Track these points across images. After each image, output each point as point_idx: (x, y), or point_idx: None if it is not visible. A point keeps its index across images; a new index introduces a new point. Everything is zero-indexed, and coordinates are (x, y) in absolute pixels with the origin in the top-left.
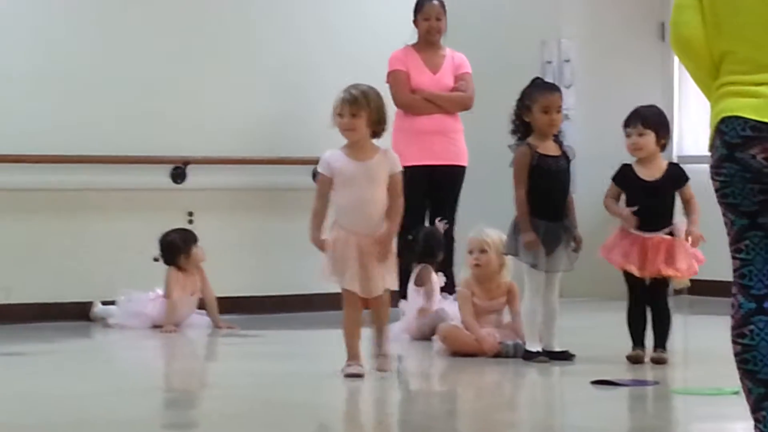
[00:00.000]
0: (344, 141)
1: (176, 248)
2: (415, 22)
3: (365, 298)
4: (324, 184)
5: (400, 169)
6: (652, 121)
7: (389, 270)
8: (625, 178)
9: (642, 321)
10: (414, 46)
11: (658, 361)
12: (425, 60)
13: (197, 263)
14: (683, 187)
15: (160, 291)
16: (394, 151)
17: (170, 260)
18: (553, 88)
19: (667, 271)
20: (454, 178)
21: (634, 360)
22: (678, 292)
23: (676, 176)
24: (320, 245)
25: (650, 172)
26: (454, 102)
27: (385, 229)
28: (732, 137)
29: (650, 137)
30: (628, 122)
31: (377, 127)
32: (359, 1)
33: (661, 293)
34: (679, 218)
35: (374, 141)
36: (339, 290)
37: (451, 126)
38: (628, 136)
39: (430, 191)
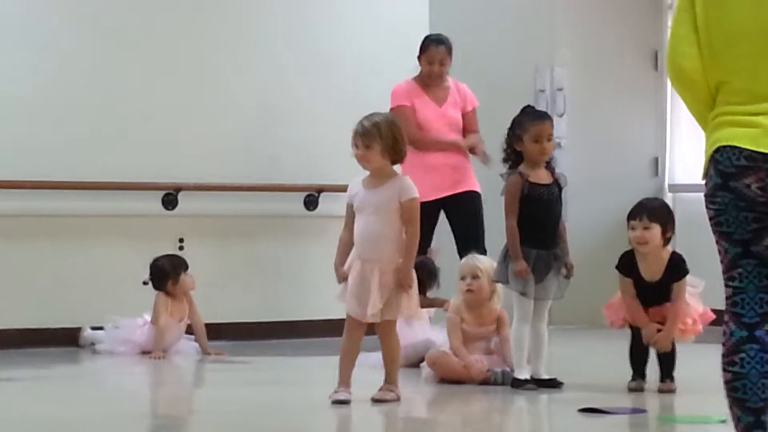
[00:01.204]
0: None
1: (165, 273)
2: (419, 58)
3: (370, 323)
4: (347, 211)
5: (414, 196)
6: (659, 213)
7: (408, 299)
8: (629, 269)
9: (644, 356)
10: (416, 79)
11: (667, 392)
12: (429, 93)
13: (186, 290)
14: (678, 281)
15: (147, 317)
16: None
17: (159, 285)
18: (544, 117)
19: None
20: (472, 203)
21: (635, 390)
22: None
23: (675, 272)
24: (337, 274)
25: (651, 270)
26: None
27: (401, 261)
28: (726, 166)
29: (656, 231)
30: (633, 215)
31: (394, 155)
32: (356, 34)
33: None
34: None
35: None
36: (327, 317)
37: (461, 160)
38: (632, 228)
39: (451, 221)
